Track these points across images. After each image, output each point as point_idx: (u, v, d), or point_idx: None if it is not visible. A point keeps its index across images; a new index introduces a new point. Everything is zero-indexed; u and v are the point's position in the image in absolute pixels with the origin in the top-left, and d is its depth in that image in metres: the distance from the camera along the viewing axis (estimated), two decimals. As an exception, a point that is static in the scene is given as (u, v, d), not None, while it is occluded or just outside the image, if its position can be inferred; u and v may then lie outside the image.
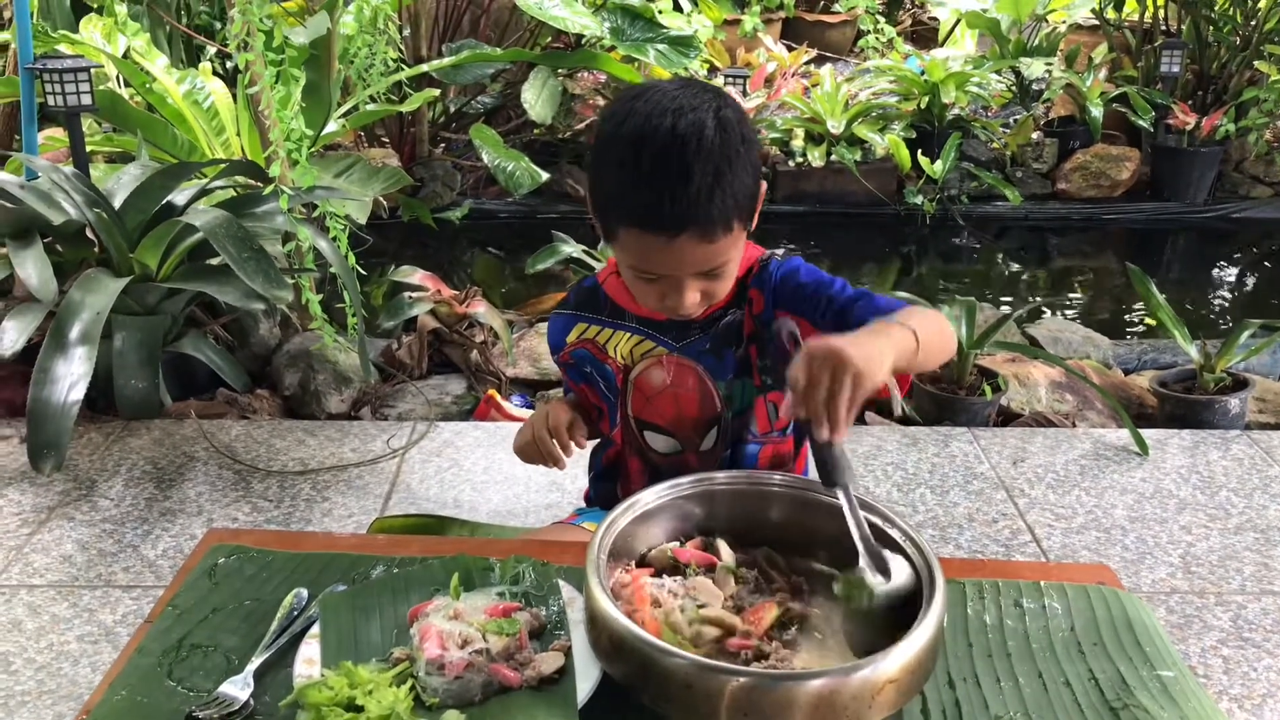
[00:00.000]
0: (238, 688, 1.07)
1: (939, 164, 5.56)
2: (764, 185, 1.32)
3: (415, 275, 3.57)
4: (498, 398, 3.09)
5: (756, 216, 1.32)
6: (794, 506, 1.26)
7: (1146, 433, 2.90)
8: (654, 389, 1.45)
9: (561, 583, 1.22)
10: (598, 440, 1.58)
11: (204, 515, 2.54)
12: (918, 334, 1.13)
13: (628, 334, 1.46)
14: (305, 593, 1.22)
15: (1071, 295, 5.38)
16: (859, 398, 1.02)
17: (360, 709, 1.00)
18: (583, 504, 1.72)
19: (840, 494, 1.11)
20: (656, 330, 1.44)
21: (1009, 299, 5.15)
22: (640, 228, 1.23)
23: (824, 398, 1.02)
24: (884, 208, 5.77)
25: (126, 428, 2.99)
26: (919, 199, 5.65)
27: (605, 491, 1.61)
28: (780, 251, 1.45)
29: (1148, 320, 4.66)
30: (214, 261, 2.98)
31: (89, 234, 3.02)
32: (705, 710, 0.96)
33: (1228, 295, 5.43)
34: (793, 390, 1.04)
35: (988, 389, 3.09)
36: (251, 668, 1.10)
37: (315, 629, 1.15)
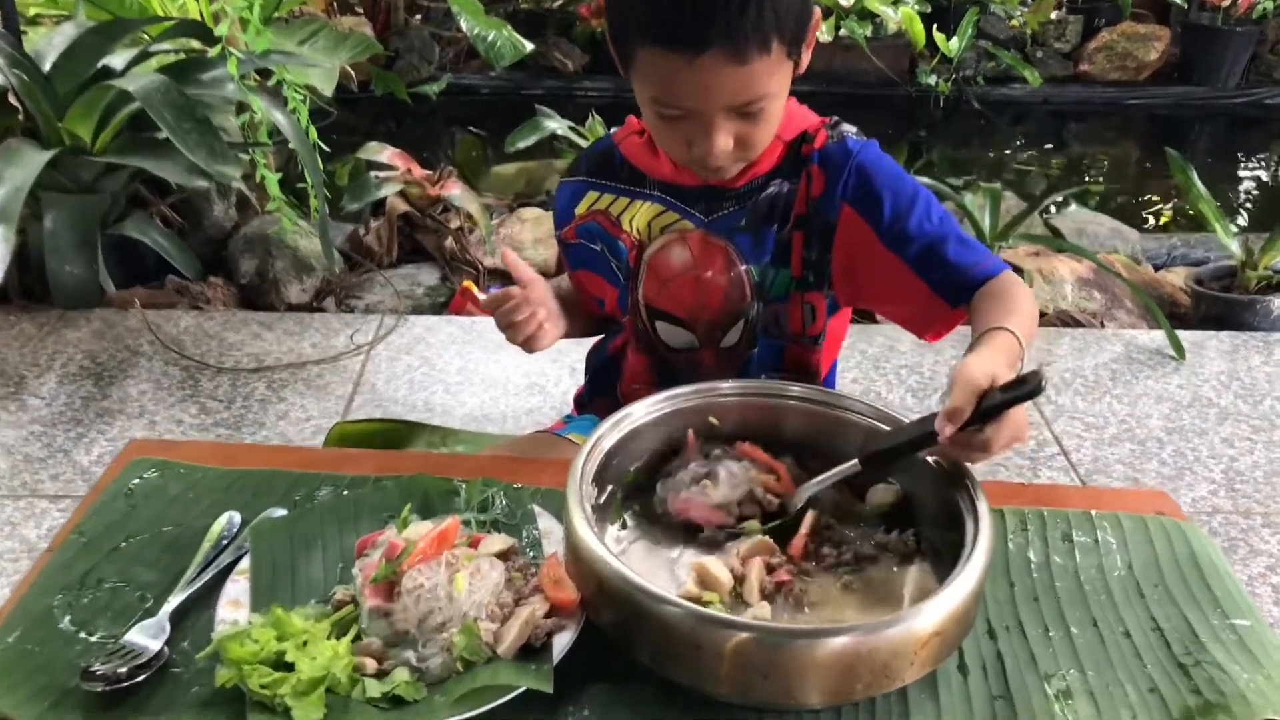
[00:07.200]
0: (149, 634, 0.94)
1: (955, 41, 5.43)
2: (817, 12, 1.15)
3: (384, 153, 3.43)
4: (474, 290, 2.93)
5: (807, 53, 1.15)
6: (812, 422, 1.12)
7: (1182, 334, 2.78)
8: (673, 271, 1.29)
9: (537, 509, 1.09)
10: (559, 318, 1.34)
11: (146, 417, 2.43)
12: (1024, 346, 1.06)
13: (647, 203, 1.30)
14: (238, 518, 1.10)
15: (1092, 185, 5.24)
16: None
17: (291, 666, 0.86)
18: (570, 409, 1.59)
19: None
20: (682, 200, 1.28)
21: (1021, 186, 5.02)
22: (660, 44, 1.08)
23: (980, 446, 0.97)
24: (895, 88, 5.63)
25: (62, 318, 2.86)
26: (932, 79, 5.54)
27: (602, 393, 1.48)
28: (851, 128, 1.27)
29: (1167, 211, 4.53)
30: (159, 135, 2.79)
31: (12, 100, 2.85)
32: (712, 670, 0.84)
33: (1257, 186, 5.28)
34: (977, 441, 0.96)
35: (1011, 285, 2.94)
36: (168, 609, 0.97)
37: (245, 563, 1.01)
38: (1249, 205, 4.95)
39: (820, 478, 1.04)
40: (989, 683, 0.94)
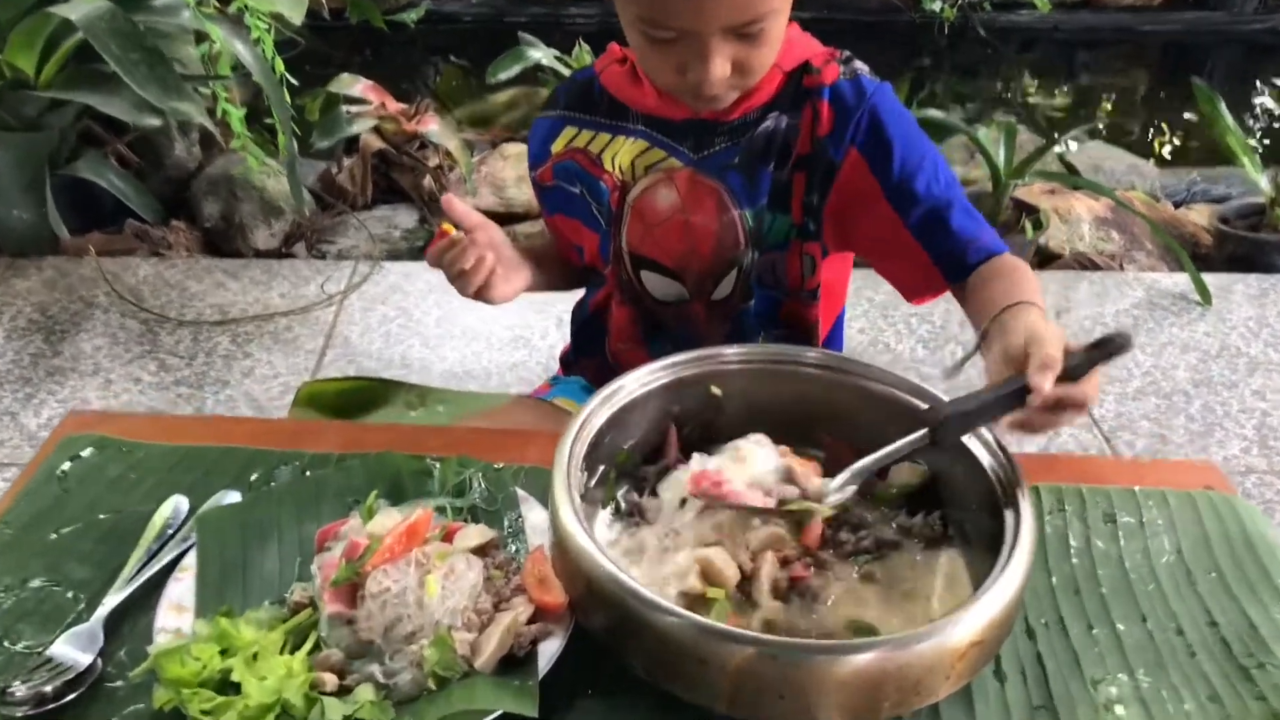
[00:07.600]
0: (80, 645, 0.85)
1: (961, -36, 5.26)
2: None
3: (357, 86, 3.33)
4: (454, 233, 2.86)
5: None
6: (829, 394, 1.03)
7: (1206, 277, 2.71)
8: (659, 215, 1.20)
9: (521, 493, 1.00)
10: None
11: (100, 375, 2.36)
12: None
13: (630, 139, 1.20)
14: (185, 503, 1.01)
15: (1103, 117, 5.15)
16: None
17: (239, 687, 0.77)
18: (556, 367, 1.51)
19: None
20: (668, 135, 1.18)
21: (1030, 118, 4.93)
22: None
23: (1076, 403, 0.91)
24: (898, 15, 5.51)
25: (11, 266, 2.78)
26: (937, 5, 5.39)
27: (588, 354, 1.40)
28: (864, 66, 1.19)
29: (1174, 141, 4.44)
30: (107, 67, 2.66)
31: (-53, 30, 2.71)
32: (718, 687, 0.76)
33: (1275, 117, 5.19)
34: (1072, 398, 0.89)
35: (1028, 226, 2.84)
36: (102, 613, 0.88)
37: (191, 558, 0.92)
38: (1267, 138, 4.86)
39: (884, 452, 0.93)
40: (1029, 690, 0.86)
